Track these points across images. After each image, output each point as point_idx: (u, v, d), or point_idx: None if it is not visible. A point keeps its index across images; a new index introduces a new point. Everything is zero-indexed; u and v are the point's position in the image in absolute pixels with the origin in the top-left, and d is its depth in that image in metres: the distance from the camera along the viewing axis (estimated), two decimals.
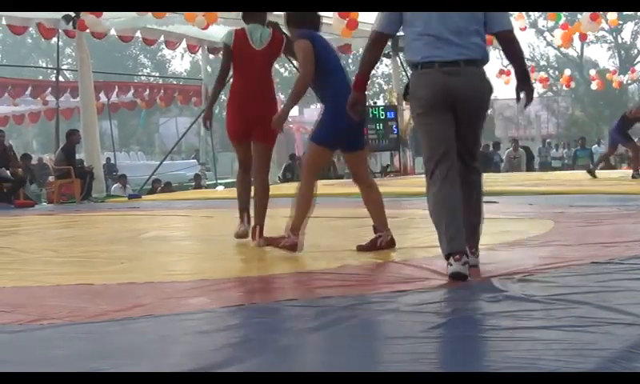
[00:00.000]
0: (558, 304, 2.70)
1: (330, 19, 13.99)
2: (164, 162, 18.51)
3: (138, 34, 15.00)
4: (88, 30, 13.16)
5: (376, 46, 3.63)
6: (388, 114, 16.82)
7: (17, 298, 3.36)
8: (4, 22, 13.13)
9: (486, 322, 2.51)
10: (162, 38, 15.81)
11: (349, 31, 13.82)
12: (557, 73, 40.51)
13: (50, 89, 18.94)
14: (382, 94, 37.57)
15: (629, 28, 42.34)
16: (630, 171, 11.96)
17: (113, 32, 14.70)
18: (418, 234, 5.06)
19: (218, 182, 19.28)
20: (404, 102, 4.14)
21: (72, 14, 12.40)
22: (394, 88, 19.86)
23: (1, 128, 14.04)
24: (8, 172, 11.74)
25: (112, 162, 22.78)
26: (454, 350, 2.27)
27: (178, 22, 13.46)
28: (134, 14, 12.70)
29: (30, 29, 14.13)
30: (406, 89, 3.66)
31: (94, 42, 16.34)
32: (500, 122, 39.64)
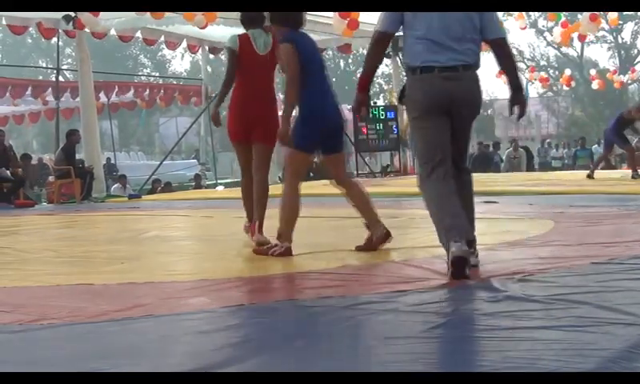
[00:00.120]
0: (558, 304, 2.70)
1: (330, 19, 14.01)
2: (164, 162, 18.50)
3: (139, 34, 15.00)
4: (88, 30, 13.15)
5: (380, 46, 3.66)
6: (388, 114, 16.82)
7: (17, 298, 3.36)
8: (4, 21, 13.12)
9: (486, 322, 2.50)
10: (162, 38, 15.81)
11: (349, 31, 13.82)
12: (557, 73, 40.51)
13: (50, 89, 18.93)
14: (381, 94, 37.56)
15: (629, 28, 42.36)
16: (630, 171, 11.95)
17: (113, 32, 14.70)
18: (418, 234, 5.06)
19: (218, 182, 19.27)
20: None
21: (72, 14, 12.39)
22: (393, 88, 19.87)
23: (1, 128, 14.03)
24: (8, 172, 11.74)
25: (112, 161, 22.78)
26: (454, 349, 2.27)
27: (178, 22, 13.46)
28: (134, 13, 12.70)
29: (30, 29, 14.12)
30: (402, 92, 3.69)
31: (94, 42, 16.34)
32: (500, 122, 39.64)
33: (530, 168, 19.34)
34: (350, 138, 18.73)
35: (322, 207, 7.42)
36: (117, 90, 20.87)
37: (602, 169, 12.75)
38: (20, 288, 3.66)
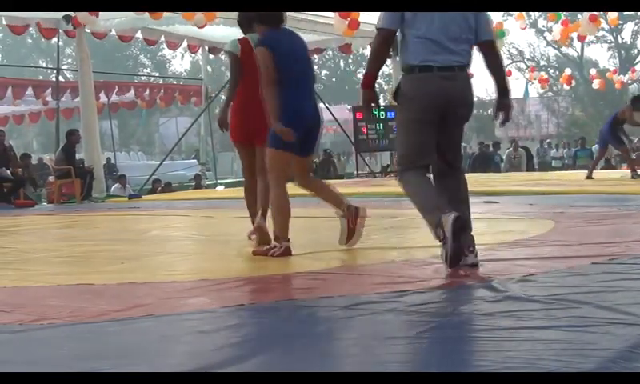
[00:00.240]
0: (558, 304, 2.70)
1: (331, 19, 14.02)
2: (164, 162, 18.50)
3: (139, 34, 15.00)
4: (88, 30, 13.16)
5: (386, 45, 3.68)
6: (388, 114, 16.81)
7: (17, 298, 3.36)
8: (4, 22, 13.13)
9: (485, 322, 2.50)
10: (162, 38, 15.81)
11: (350, 31, 13.83)
12: (557, 73, 40.51)
13: (50, 89, 18.93)
14: (382, 94, 37.58)
15: (629, 28, 42.36)
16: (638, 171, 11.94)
17: (113, 32, 14.70)
18: (418, 234, 5.05)
19: (219, 182, 19.29)
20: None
21: (72, 13, 12.39)
22: (394, 88, 19.88)
23: (1, 128, 14.04)
24: (8, 172, 11.74)
25: (112, 162, 22.78)
26: (454, 349, 2.27)
27: (178, 22, 13.47)
28: (134, 13, 12.70)
29: (30, 29, 14.12)
30: (396, 90, 3.72)
31: (94, 42, 16.35)
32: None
33: (530, 168, 19.35)
34: (350, 138, 18.77)
35: (322, 207, 7.41)
36: (117, 90, 20.87)
37: (601, 169, 12.74)
38: (20, 288, 3.66)
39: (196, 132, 22.01)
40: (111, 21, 13.75)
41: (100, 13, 12.43)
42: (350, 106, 23.91)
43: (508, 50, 40.09)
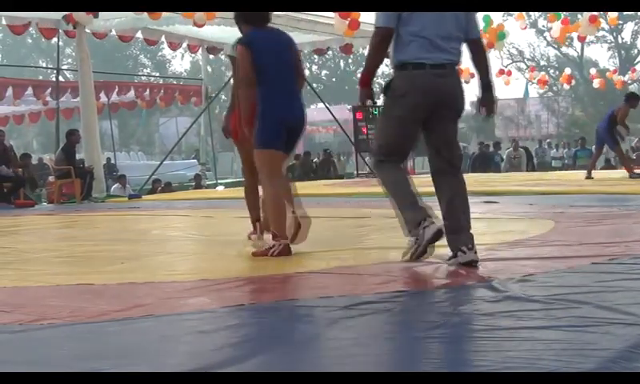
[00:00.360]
0: (558, 304, 2.70)
1: (331, 20, 14.02)
2: (164, 162, 18.51)
3: (139, 34, 15.00)
4: (88, 30, 13.15)
5: (385, 43, 3.72)
6: None
7: (17, 298, 3.36)
8: (4, 21, 13.13)
9: (485, 322, 2.50)
10: (162, 38, 15.82)
11: (351, 31, 13.83)
12: (557, 73, 40.51)
13: (50, 89, 18.93)
14: (382, 94, 37.56)
15: (629, 28, 42.38)
16: (636, 171, 11.94)
17: (113, 32, 14.70)
18: None
19: (219, 182, 19.29)
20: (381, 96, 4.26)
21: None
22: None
23: (1, 128, 14.04)
24: (10, 170, 11.74)
25: (112, 161, 22.79)
26: (454, 349, 2.27)
27: (178, 22, 13.47)
28: (134, 13, 12.70)
29: (30, 29, 14.12)
30: (386, 85, 3.77)
31: (94, 42, 16.35)
32: (500, 121, 39.64)
33: (530, 168, 19.36)
34: (351, 138, 18.77)
35: (322, 207, 7.42)
36: (117, 89, 20.87)
37: (601, 168, 12.73)
38: (20, 288, 3.66)
39: (196, 132, 22.01)
40: (111, 21, 13.75)
41: (100, 13, 12.43)
42: (350, 106, 23.93)
43: (508, 50, 40.15)
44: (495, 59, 44.54)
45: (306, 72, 42.74)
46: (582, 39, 21.09)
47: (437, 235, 3.64)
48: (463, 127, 39.50)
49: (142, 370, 2.11)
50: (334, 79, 48.37)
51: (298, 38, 16.12)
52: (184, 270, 4.21)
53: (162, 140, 41.42)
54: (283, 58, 4.49)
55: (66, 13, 12.37)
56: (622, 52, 42.86)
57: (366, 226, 5.64)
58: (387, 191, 3.82)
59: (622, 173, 12.59)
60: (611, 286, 3.03)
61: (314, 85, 35.90)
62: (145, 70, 44.15)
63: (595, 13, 17.17)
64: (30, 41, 44.23)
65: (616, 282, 3.12)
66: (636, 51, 43.29)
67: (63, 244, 5.91)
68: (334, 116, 19.62)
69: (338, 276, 3.62)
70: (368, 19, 12.79)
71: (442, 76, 3.66)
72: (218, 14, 12.07)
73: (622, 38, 43.34)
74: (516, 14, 21.12)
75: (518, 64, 42.20)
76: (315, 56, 31.93)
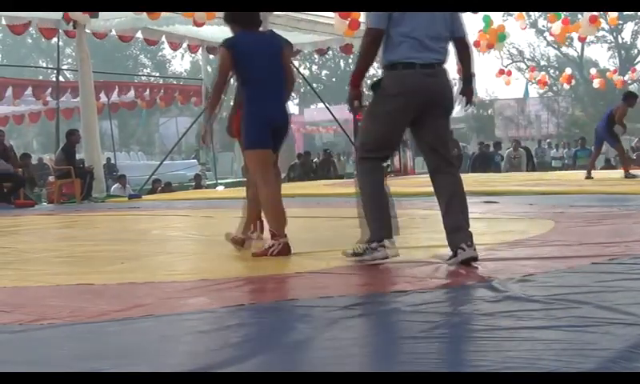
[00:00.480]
0: (558, 304, 2.70)
1: (331, 20, 14.02)
2: (164, 162, 18.51)
3: (139, 34, 15.00)
4: (88, 30, 13.14)
5: (377, 44, 3.75)
6: None
7: (17, 298, 3.36)
8: (4, 21, 13.13)
9: (485, 322, 2.50)
10: (162, 38, 15.82)
11: (351, 31, 13.83)
12: (557, 73, 40.50)
13: (50, 89, 18.93)
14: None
15: (629, 28, 42.38)
16: (631, 171, 11.94)
17: (113, 32, 14.71)
18: (418, 234, 5.06)
19: (219, 182, 19.29)
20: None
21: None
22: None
23: (1, 128, 14.04)
24: (10, 166, 11.73)
25: (112, 162, 22.79)
26: (454, 349, 2.27)
27: (178, 23, 13.47)
28: (133, 13, 12.70)
29: (30, 29, 14.12)
30: (376, 83, 3.82)
31: (95, 42, 16.34)
32: (500, 121, 39.64)
33: (531, 168, 19.36)
34: (351, 138, 18.76)
35: (322, 207, 7.42)
36: (117, 89, 20.87)
37: (601, 168, 12.73)
38: (20, 288, 3.66)
39: (196, 132, 22.01)
40: (111, 21, 13.75)
41: (100, 13, 12.42)
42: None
43: (508, 50, 40.15)
44: (495, 59, 44.61)
45: (306, 72, 42.71)
46: (582, 40, 21.09)
47: (384, 260, 3.78)
48: (463, 127, 39.53)
49: (141, 370, 2.11)
50: (333, 79, 48.37)
51: (298, 38, 16.20)
52: (184, 270, 4.21)
53: (162, 140, 41.42)
54: (271, 60, 4.53)
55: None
56: (622, 52, 42.85)
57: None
58: (361, 195, 3.88)
59: (621, 172, 12.60)
60: (611, 286, 3.03)
61: (314, 85, 35.91)
62: (145, 70, 44.16)
63: (595, 13, 17.17)
64: (29, 41, 44.23)
65: (616, 282, 3.11)
66: (636, 51, 43.28)
67: (63, 244, 5.91)
68: (334, 116, 19.61)
69: (338, 276, 3.62)
70: None
71: (431, 75, 3.73)
72: (217, 13, 12.07)
73: (622, 38, 43.35)
74: (516, 13, 21.12)
75: (517, 64, 42.21)
76: (315, 56, 31.93)
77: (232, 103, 5.31)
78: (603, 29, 37.97)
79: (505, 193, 9.07)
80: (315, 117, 40.42)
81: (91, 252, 5.13)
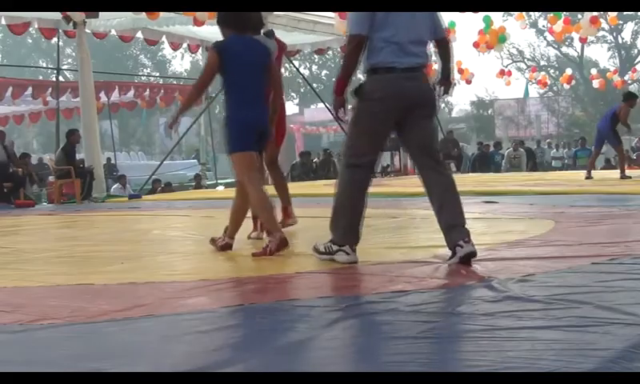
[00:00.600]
0: (558, 304, 2.70)
1: (332, 20, 14.02)
2: (164, 162, 18.50)
3: (139, 34, 15.00)
4: (88, 31, 13.14)
5: (358, 49, 3.82)
6: None
7: (17, 298, 3.36)
8: (4, 21, 13.13)
9: (485, 322, 2.50)
10: (163, 38, 15.82)
11: None
12: (557, 73, 40.47)
13: (50, 89, 18.93)
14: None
15: (629, 28, 42.33)
16: (631, 171, 11.94)
17: (113, 32, 14.70)
18: (418, 234, 5.06)
19: (219, 182, 19.29)
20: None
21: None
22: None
23: (1, 129, 14.04)
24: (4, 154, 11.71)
25: (112, 162, 22.78)
26: (454, 349, 2.27)
27: (178, 23, 13.46)
28: (134, 13, 12.69)
29: (30, 29, 14.12)
30: (358, 88, 3.88)
31: (95, 42, 16.34)
32: (500, 121, 39.62)
33: (532, 168, 19.38)
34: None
35: (322, 207, 7.41)
36: (117, 89, 20.86)
37: (601, 169, 12.72)
38: (20, 288, 3.66)
39: (196, 132, 22.00)
40: (111, 21, 13.75)
41: (100, 13, 12.42)
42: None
43: (508, 50, 40.14)
44: (495, 59, 44.61)
45: (306, 72, 42.69)
46: (583, 40, 21.09)
47: (346, 263, 3.82)
48: (463, 127, 39.53)
49: (141, 370, 2.11)
50: (333, 79, 48.22)
51: (297, 38, 16.17)
52: (184, 270, 4.21)
53: (162, 140, 41.39)
54: (258, 67, 4.58)
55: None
56: (622, 52, 42.82)
57: (366, 226, 5.62)
58: (339, 196, 3.92)
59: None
60: (611, 286, 3.03)
61: (314, 85, 35.87)
62: (145, 70, 44.13)
63: (595, 14, 17.17)
64: (29, 41, 44.21)
65: (616, 282, 3.11)
66: (636, 51, 43.24)
67: (63, 244, 5.91)
68: (334, 116, 19.59)
69: (338, 276, 3.62)
70: None
71: (412, 79, 3.79)
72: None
73: (622, 38, 43.32)
74: (516, 13, 21.13)
75: (518, 64, 42.18)
76: (315, 56, 31.92)
77: None
78: (603, 29, 37.94)
79: (505, 193, 9.06)
80: (315, 117, 40.40)
81: (91, 252, 5.13)
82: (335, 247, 3.86)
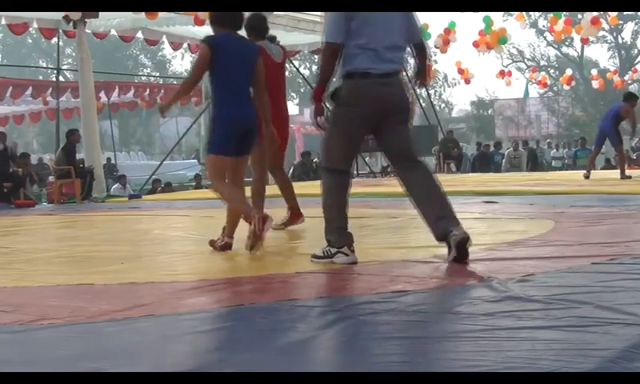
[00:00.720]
0: (558, 304, 2.70)
1: None
2: (164, 162, 18.50)
3: (139, 34, 15.00)
4: (89, 31, 13.13)
5: (334, 57, 3.88)
6: None
7: (17, 298, 3.36)
8: (4, 21, 13.13)
9: (485, 322, 2.50)
10: (163, 38, 15.81)
11: None
12: (557, 73, 40.46)
13: (50, 89, 18.93)
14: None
15: (629, 28, 42.32)
16: (631, 171, 11.93)
17: (113, 32, 14.70)
18: (418, 234, 5.05)
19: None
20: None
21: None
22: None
23: (2, 130, 14.05)
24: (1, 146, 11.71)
25: (112, 162, 22.78)
26: (454, 349, 2.27)
27: (178, 23, 13.46)
28: (134, 13, 12.69)
29: (30, 29, 14.12)
30: (334, 92, 3.94)
31: (95, 42, 16.33)
32: (500, 121, 39.62)
33: (534, 168, 19.38)
34: None
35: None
36: (117, 89, 20.86)
37: (601, 169, 12.72)
38: (20, 288, 3.66)
39: (196, 132, 22.05)
40: (111, 21, 13.74)
41: (100, 13, 12.41)
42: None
43: (508, 50, 40.12)
44: (495, 60, 44.56)
45: (306, 72, 42.71)
46: (584, 41, 21.09)
47: (346, 263, 3.81)
48: (463, 127, 39.53)
49: (141, 370, 2.10)
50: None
51: (297, 38, 16.21)
52: (184, 270, 4.21)
53: (162, 140, 41.40)
54: (246, 66, 4.62)
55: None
56: (622, 52, 42.82)
57: (366, 226, 5.63)
58: (326, 201, 3.99)
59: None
60: (611, 286, 3.03)
61: (314, 85, 35.80)
62: (145, 70, 44.09)
63: (596, 14, 17.18)
64: (29, 41, 44.17)
65: (616, 282, 3.11)
66: (636, 51, 43.24)
67: (63, 244, 5.91)
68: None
69: (338, 276, 3.62)
70: None
71: (387, 85, 3.84)
72: None
73: (622, 38, 43.31)
74: (516, 13, 21.13)
75: (518, 64, 42.17)
76: (315, 56, 31.90)
77: None
78: (603, 29, 37.91)
79: (505, 193, 9.06)
80: None
81: (91, 252, 5.13)
82: (334, 250, 3.87)
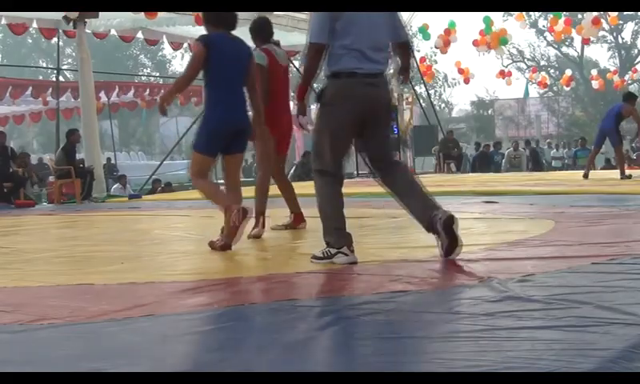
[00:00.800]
0: (558, 304, 2.70)
1: None
2: (164, 162, 18.49)
3: (139, 34, 15.00)
4: (89, 31, 13.13)
5: (318, 57, 3.90)
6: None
7: (17, 298, 3.36)
8: (4, 21, 13.13)
9: (485, 322, 2.50)
10: (163, 38, 15.82)
11: None
12: (557, 73, 40.46)
13: (50, 89, 18.93)
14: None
15: (629, 28, 42.33)
16: (630, 171, 11.94)
17: (113, 32, 14.70)
18: (418, 234, 5.05)
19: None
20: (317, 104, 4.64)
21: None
22: (393, 89, 19.92)
23: (1, 130, 14.04)
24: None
25: (112, 162, 22.78)
26: (454, 349, 2.27)
27: (178, 23, 13.46)
28: (133, 13, 12.69)
29: (30, 29, 14.12)
30: (320, 92, 3.95)
31: (95, 42, 16.33)
32: (500, 121, 39.63)
33: (535, 168, 19.38)
34: None
35: None
36: (117, 90, 20.86)
37: (601, 169, 12.72)
38: (20, 288, 3.66)
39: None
40: (111, 21, 13.74)
41: (100, 13, 12.41)
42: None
43: (508, 50, 40.12)
44: (495, 60, 44.57)
45: None
46: (585, 42, 21.11)
47: (346, 263, 3.81)
48: (463, 127, 39.52)
49: (141, 370, 2.11)
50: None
51: (297, 38, 16.23)
52: (184, 270, 4.21)
53: (162, 140, 41.40)
54: (238, 66, 4.65)
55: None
56: (622, 52, 42.82)
57: (366, 226, 5.63)
58: (321, 203, 3.97)
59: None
60: (611, 286, 3.03)
61: (314, 85, 35.81)
62: (145, 70, 44.10)
63: (596, 14, 17.19)
64: (29, 41, 44.17)
65: (616, 282, 3.11)
66: (636, 51, 43.24)
67: (63, 244, 5.91)
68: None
69: (338, 276, 3.61)
70: None
71: (373, 85, 3.87)
72: None
73: (622, 38, 43.30)
74: (516, 13, 21.14)
75: (518, 64, 42.17)
76: None
77: None
78: (603, 29, 37.90)
79: (505, 193, 9.06)
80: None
81: (91, 252, 5.13)
82: (334, 250, 3.87)
